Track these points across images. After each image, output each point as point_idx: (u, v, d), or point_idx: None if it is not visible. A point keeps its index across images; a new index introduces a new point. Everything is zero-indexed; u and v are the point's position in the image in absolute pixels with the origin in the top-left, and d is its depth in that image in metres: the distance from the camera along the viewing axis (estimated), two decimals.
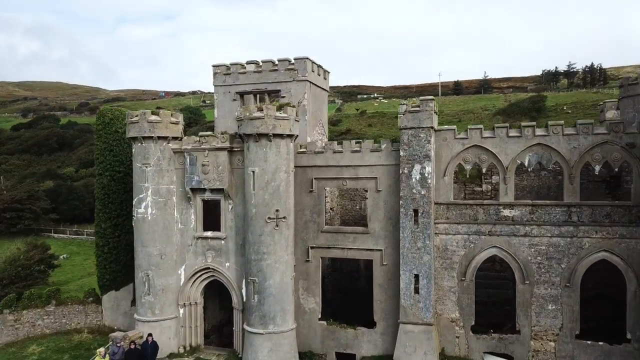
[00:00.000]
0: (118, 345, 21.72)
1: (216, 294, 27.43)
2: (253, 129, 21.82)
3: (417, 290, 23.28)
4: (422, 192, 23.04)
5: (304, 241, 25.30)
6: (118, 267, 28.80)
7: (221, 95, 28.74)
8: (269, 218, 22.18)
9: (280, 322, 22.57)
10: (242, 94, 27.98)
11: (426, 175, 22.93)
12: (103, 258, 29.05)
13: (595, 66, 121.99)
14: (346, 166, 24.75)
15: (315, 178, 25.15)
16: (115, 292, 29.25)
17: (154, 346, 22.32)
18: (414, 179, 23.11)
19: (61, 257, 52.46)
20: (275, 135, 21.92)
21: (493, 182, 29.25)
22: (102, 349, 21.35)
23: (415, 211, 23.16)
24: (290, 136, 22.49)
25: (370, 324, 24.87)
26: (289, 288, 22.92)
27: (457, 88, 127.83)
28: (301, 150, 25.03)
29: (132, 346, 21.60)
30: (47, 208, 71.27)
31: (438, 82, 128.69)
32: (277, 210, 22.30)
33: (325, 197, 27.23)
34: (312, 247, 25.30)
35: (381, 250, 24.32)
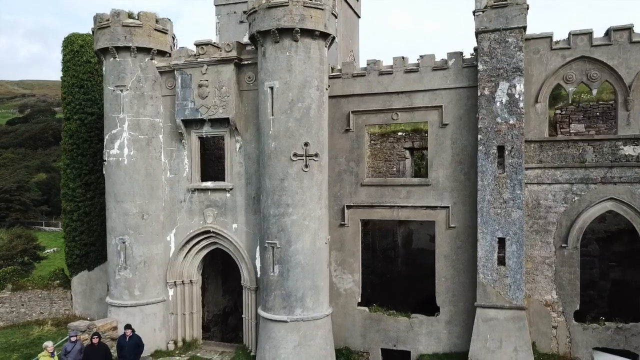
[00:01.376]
0: (73, 340, 14.49)
1: (218, 271, 20.24)
2: (272, 23, 14.66)
3: (501, 261, 16.13)
4: (511, 122, 15.91)
5: (337, 198, 18.13)
6: (91, 239, 21.61)
7: (224, 17, 21.58)
8: (295, 155, 15.02)
9: (311, 304, 15.38)
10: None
11: (516, 96, 15.83)
12: (72, 228, 21.86)
13: None
14: (397, 93, 17.61)
15: (353, 112, 18.00)
16: (88, 272, 22.06)
17: (135, 344, 14.94)
18: (498, 103, 15.99)
19: (51, 250, 46.15)
20: (304, 32, 14.76)
21: (572, 131, 22.08)
22: (49, 343, 14.12)
23: (500, 149, 16.04)
24: (324, 36, 15.33)
25: (425, 310, 17.88)
26: (322, 256, 15.74)
27: None
28: (334, 74, 17.88)
29: (95, 340, 14.31)
30: (38, 200, 67.30)
31: None
32: (305, 144, 15.15)
33: None
34: (348, 206, 18.14)
35: (447, 207, 17.18)
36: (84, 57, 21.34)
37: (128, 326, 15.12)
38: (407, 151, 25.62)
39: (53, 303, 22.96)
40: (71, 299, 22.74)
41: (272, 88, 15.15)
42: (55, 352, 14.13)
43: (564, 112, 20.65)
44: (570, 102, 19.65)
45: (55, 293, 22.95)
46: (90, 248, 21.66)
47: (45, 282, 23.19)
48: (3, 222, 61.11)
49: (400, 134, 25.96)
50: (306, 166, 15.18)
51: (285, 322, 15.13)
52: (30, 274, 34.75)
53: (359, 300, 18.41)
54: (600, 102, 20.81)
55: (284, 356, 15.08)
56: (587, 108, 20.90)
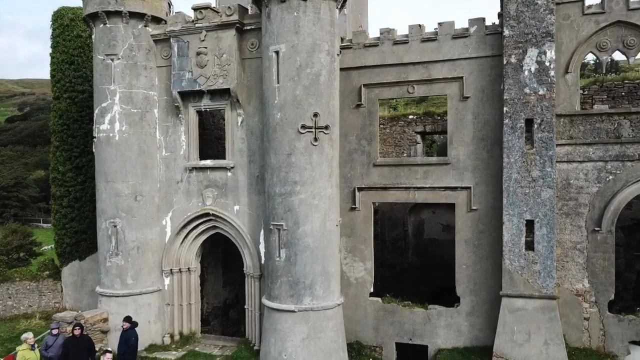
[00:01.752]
0: (54, 333, 12.92)
1: (219, 260, 18.69)
2: None
3: (529, 246, 14.59)
4: (541, 92, 14.37)
5: (347, 180, 16.58)
6: (82, 226, 20.03)
7: None
8: (303, 127, 13.47)
9: (321, 292, 13.82)
10: None
11: (547, 64, 14.30)
12: (61, 215, 20.30)
13: None
14: (413, 64, 16.05)
15: (364, 85, 16.45)
16: (80, 262, 20.49)
17: (130, 338, 13.34)
18: (526, 72, 14.45)
19: (49, 247, 44.66)
20: None
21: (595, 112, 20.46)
22: (28, 335, 12.58)
23: (529, 122, 14.50)
24: None
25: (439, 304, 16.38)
26: (333, 239, 14.19)
27: None
28: (344, 44, 16.32)
29: (77, 332, 12.73)
30: (36, 196, 67.28)
31: None
32: (315, 115, 13.59)
33: None
34: (359, 189, 16.59)
35: (468, 188, 15.63)
36: (74, 32, 19.80)
37: (127, 320, 13.47)
38: (418, 135, 24.10)
39: (42, 295, 21.43)
40: (61, 291, 21.21)
41: (277, 53, 13.60)
42: (35, 345, 12.57)
43: (586, 92, 19.11)
44: (604, 71, 18.08)
45: (45, 285, 21.41)
46: (81, 236, 20.09)
47: (33, 273, 21.64)
48: (0, 218, 60.32)
49: (410, 117, 24.45)
50: (315, 139, 13.63)
51: (293, 312, 13.57)
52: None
53: (371, 290, 16.86)
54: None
55: (291, 350, 13.52)
56: (611, 88, 19.35)
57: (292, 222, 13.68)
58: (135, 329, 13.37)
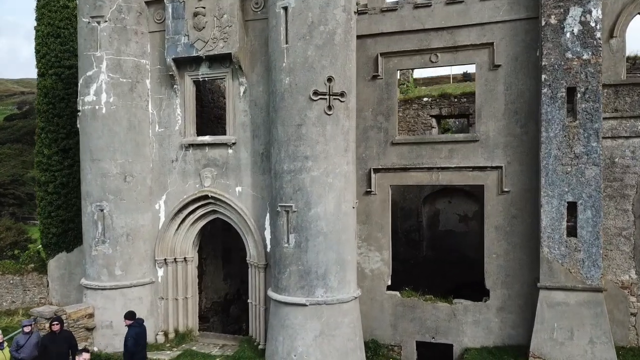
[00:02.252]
0: (27, 331, 11.06)
1: (219, 250, 16.85)
2: None
3: (572, 231, 12.76)
4: (585, 57, 12.55)
5: (361, 161, 14.74)
6: (69, 214, 18.21)
7: None
8: (315, 93, 11.64)
9: (336, 283, 11.98)
10: None
11: (592, 25, 12.49)
12: (47, 202, 18.48)
13: None
14: (436, 30, 14.23)
15: (382, 54, 14.62)
16: (67, 254, 18.66)
17: (127, 338, 11.28)
18: (567, 34, 12.63)
19: None
20: None
21: None
22: None
23: (571, 91, 12.68)
24: None
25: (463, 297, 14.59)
26: (349, 223, 12.36)
27: None
28: (358, 9, 14.47)
29: (56, 327, 10.91)
30: (33, 194, 65.27)
31: None
32: (329, 80, 11.76)
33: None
34: (375, 170, 14.77)
35: (499, 167, 13.81)
36: (60, 2, 18.01)
37: (129, 315, 11.50)
38: (434, 119, 22.33)
39: (27, 290, 19.61)
40: (47, 285, 19.37)
41: (286, 8, 11.77)
42: (5, 344, 10.74)
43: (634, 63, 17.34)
44: None
45: (30, 279, 19.60)
46: (68, 225, 18.26)
47: (17, 266, 19.81)
48: None
49: (425, 99, 22.66)
50: (329, 108, 11.80)
51: (304, 305, 11.73)
52: None
53: (389, 283, 15.03)
54: None
55: (302, 349, 11.68)
56: None
57: (302, 203, 11.85)
58: (135, 327, 11.28)
